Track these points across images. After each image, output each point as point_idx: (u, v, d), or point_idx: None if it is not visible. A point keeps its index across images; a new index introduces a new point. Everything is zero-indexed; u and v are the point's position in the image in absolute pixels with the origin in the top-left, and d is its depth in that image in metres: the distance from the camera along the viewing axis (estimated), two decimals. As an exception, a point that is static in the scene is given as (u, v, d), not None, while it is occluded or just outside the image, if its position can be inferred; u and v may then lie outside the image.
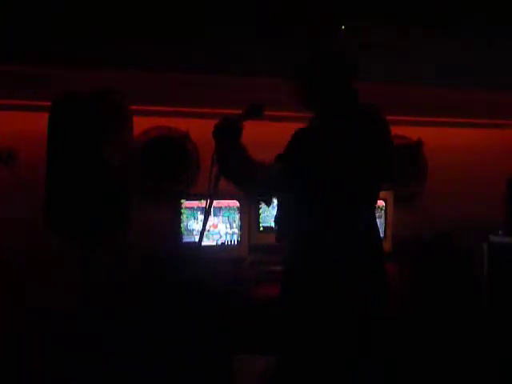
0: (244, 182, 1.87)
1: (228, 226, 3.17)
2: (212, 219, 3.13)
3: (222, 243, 3.16)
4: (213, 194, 1.86)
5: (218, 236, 3.16)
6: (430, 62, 3.07)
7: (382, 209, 3.41)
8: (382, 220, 3.40)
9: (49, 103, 2.48)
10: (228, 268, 2.96)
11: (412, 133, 3.75)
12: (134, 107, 2.73)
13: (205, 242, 3.10)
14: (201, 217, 3.08)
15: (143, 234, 2.92)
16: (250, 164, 1.78)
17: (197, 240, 3.00)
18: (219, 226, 3.16)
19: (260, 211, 3.25)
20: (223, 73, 3.05)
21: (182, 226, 3.11)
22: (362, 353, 1.73)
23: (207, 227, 3.09)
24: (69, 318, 2.78)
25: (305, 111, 1.94)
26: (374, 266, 1.81)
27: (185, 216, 3.12)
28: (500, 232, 3.36)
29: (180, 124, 3.39)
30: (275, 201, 2.08)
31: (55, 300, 3.00)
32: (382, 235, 3.17)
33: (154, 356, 2.79)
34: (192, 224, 3.13)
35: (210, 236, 3.14)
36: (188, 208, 3.13)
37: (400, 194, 3.61)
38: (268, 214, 3.25)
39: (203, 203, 2.93)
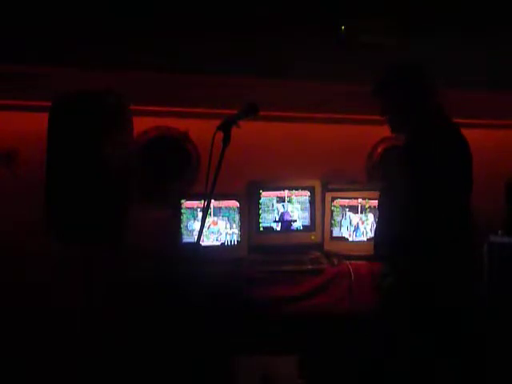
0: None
1: (228, 226, 3.16)
2: (212, 218, 3.13)
3: (222, 243, 3.16)
4: (211, 194, 1.88)
5: (218, 234, 3.16)
6: (429, 62, 3.06)
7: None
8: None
9: (49, 103, 2.48)
10: (228, 268, 2.96)
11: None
12: (134, 107, 2.73)
13: (205, 242, 3.11)
14: (201, 215, 3.08)
15: (143, 234, 2.92)
16: None
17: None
18: (219, 223, 3.16)
19: (260, 211, 3.25)
20: (223, 73, 3.05)
21: (181, 225, 3.12)
22: None
23: (206, 225, 3.10)
24: (69, 318, 2.79)
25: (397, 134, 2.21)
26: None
27: (185, 216, 3.13)
28: (500, 232, 3.36)
29: (180, 124, 3.39)
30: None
31: (55, 300, 3.00)
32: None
33: (154, 356, 2.79)
34: (192, 224, 3.13)
35: (210, 234, 3.14)
36: (188, 208, 3.13)
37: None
38: (268, 214, 3.25)
39: (203, 203, 2.93)
